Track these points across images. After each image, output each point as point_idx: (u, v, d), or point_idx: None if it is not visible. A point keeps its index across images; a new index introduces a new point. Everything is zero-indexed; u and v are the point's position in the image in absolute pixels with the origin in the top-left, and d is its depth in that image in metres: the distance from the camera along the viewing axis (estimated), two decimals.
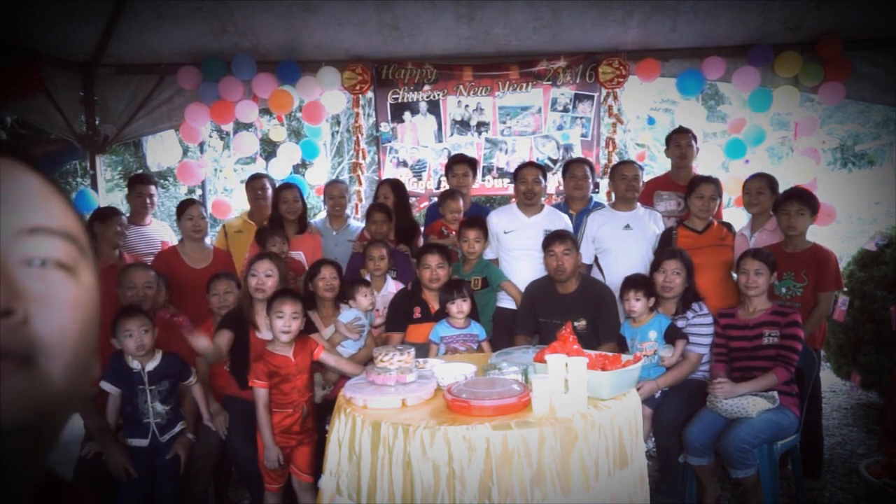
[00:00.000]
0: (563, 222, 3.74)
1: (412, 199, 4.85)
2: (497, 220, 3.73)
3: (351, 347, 3.16)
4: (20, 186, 0.47)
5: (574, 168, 4.01)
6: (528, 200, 3.71)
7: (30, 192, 0.48)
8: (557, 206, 4.06)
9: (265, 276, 2.93)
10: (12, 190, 0.46)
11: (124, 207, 4.96)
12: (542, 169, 3.86)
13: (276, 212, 3.98)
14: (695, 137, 4.21)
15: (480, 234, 3.53)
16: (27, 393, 0.43)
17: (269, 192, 4.42)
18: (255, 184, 4.39)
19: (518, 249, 3.67)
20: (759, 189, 3.60)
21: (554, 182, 5.06)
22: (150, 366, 2.73)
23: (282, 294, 2.72)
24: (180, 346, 2.98)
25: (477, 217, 3.75)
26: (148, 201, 4.25)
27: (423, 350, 3.05)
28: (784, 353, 2.87)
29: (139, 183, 4.31)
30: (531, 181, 3.69)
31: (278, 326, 2.64)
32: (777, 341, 2.89)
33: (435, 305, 3.26)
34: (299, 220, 3.99)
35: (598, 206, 4.02)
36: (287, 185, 4.11)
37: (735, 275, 3.29)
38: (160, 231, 4.42)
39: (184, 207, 3.71)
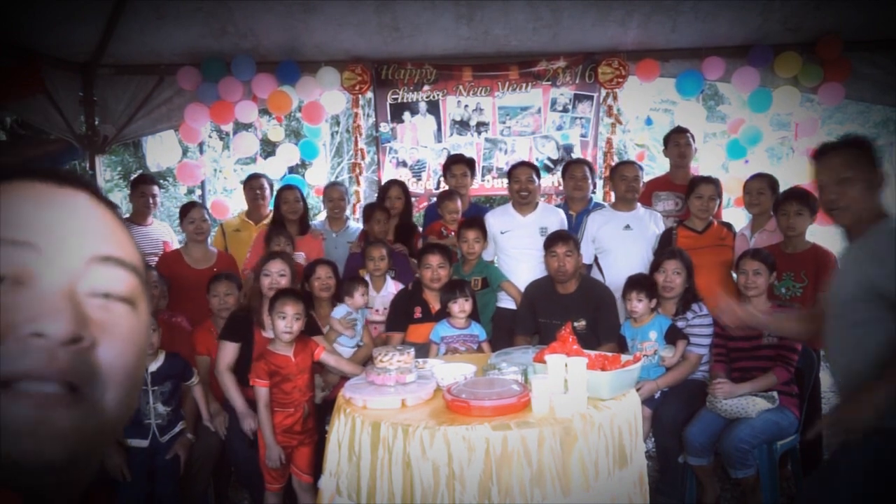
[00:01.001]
0: (559, 218, 3.75)
1: (412, 200, 4.85)
2: (493, 221, 3.74)
3: (347, 345, 3.16)
4: (93, 216, 0.49)
5: (573, 169, 4.02)
6: (523, 199, 3.72)
7: (101, 222, 0.49)
8: (563, 208, 4.06)
9: (279, 276, 2.97)
10: (87, 219, 0.48)
11: (125, 207, 4.96)
12: (536, 168, 3.88)
13: (278, 212, 3.99)
14: (693, 137, 4.21)
15: (479, 234, 3.53)
16: (79, 428, 0.43)
17: (268, 191, 4.43)
18: (253, 183, 4.40)
19: (515, 249, 3.68)
20: (760, 189, 3.60)
21: (554, 182, 5.06)
22: (153, 366, 2.73)
23: (284, 294, 2.72)
24: (182, 347, 2.98)
25: (476, 217, 3.76)
26: (151, 201, 4.27)
27: (423, 350, 3.05)
28: (783, 353, 2.88)
29: (143, 183, 4.33)
30: (524, 180, 3.71)
31: (280, 327, 2.64)
32: (776, 341, 2.89)
33: (436, 305, 3.26)
34: (300, 221, 3.99)
35: (599, 206, 4.02)
36: (288, 186, 4.12)
37: (735, 275, 3.29)
38: (161, 231, 4.43)
39: (186, 210, 3.73)
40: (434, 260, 3.25)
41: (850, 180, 1.87)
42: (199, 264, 3.64)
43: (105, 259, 0.48)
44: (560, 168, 4.72)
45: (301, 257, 3.78)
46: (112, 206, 0.52)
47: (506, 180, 5.07)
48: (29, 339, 0.42)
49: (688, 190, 3.63)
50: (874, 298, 1.80)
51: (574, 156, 5.01)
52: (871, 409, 1.71)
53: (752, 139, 4.98)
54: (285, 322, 2.64)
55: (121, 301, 0.49)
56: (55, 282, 0.45)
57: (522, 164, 3.92)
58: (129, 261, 0.50)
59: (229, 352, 2.88)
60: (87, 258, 0.47)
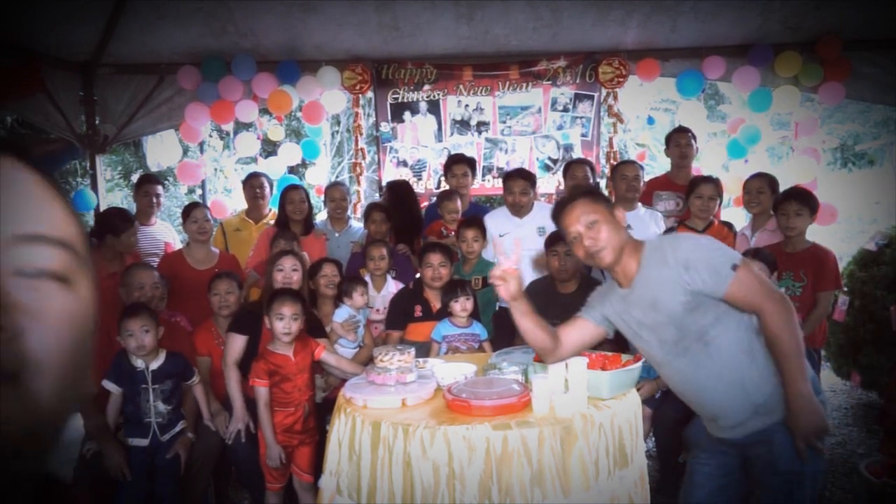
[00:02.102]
0: None
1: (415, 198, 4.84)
2: (491, 223, 3.73)
3: (349, 346, 3.16)
4: (19, 188, 0.44)
5: (574, 169, 4.01)
6: (516, 212, 3.74)
7: (29, 195, 0.44)
8: None
9: (292, 271, 3.03)
10: (10, 192, 0.43)
11: (126, 206, 4.96)
12: (531, 177, 3.83)
13: (283, 212, 3.99)
14: (694, 137, 4.21)
15: (479, 233, 3.53)
16: (14, 415, 0.40)
17: (267, 190, 4.43)
18: (252, 182, 4.40)
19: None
20: (760, 189, 3.60)
21: (554, 182, 5.06)
22: (154, 365, 2.73)
23: (282, 295, 2.72)
24: (182, 347, 2.99)
25: (475, 217, 3.76)
26: (155, 201, 4.27)
27: (423, 349, 3.05)
28: None
29: (147, 182, 4.34)
30: (518, 193, 3.70)
31: (278, 328, 2.65)
32: None
33: (436, 304, 3.26)
34: (305, 221, 4.00)
35: None
36: (294, 187, 4.14)
37: None
38: (164, 232, 4.42)
39: (189, 211, 3.73)
40: (435, 259, 3.25)
41: (597, 222, 1.94)
42: (200, 265, 3.64)
43: (29, 237, 0.43)
44: (560, 168, 4.72)
45: (304, 257, 3.78)
46: (40, 172, 0.46)
47: None
48: None
49: (688, 190, 3.63)
50: (703, 301, 1.83)
51: (574, 155, 5.02)
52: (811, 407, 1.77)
53: (752, 139, 4.98)
54: (283, 323, 2.64)
55: (52, 279, 0.44)
56: None
57: (517, 174, 3.85)
58: (59, 236, 0.45)
59: (238, 344, 2.88)
60: (8, 236, 0.42)
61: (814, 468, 1.87)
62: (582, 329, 2.12)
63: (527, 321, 2.03)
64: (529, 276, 3.54)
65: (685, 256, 1.82)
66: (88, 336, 0.46)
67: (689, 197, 3.58)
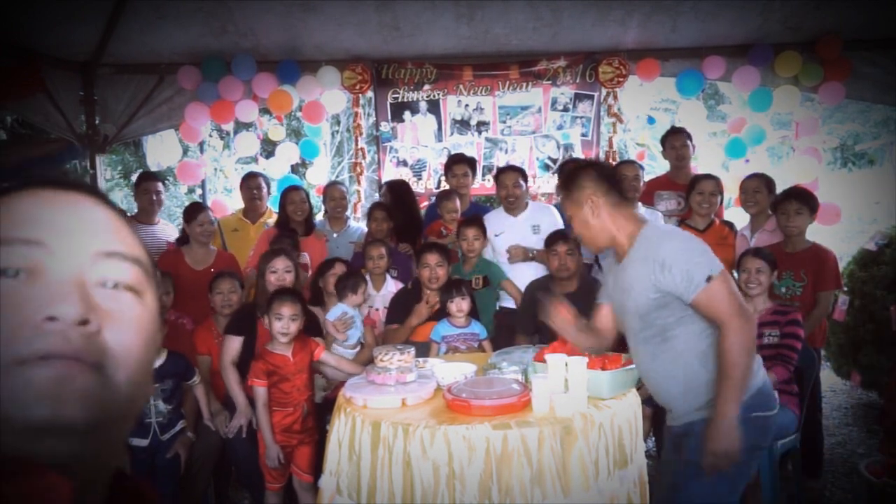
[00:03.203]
0: (552, 215, 3.76)
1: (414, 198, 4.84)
2: (487, 224, 3.72)
3: (344, 344, 3.15)
4: (99, 217, 0.55)
5: None
6: (510, 204, 3.75)
7: (107, 222, 0.55)
8: (558, 208, 4.05)
9: (285, 272, 3.01)
10: (92, 220, 0.54)
11: (126, 206, 4.96)
12: (522, 172, 3.88)
13: (283, 213, 3.99)
14: (690, 136, 4.21)
15: (479, 232, 3.53)
16: (97, 395, 0.48)
17: (265, 190, 4.43)
18: (250, 182, 4.40)
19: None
20: (756, 188, 3.61)
21: (554, 182, 5.05)
22: (156, 364, 2.72)
23: (281, 295, 2.72)
24: (183, 347, 2.99)
25: (475, 216, 3.76)
26: (155, 198, 4.23)
27: (423, 349, 3.05)
28: (783, 351, 2.87)
29: (146, 180, 4.30)
30: (511, 185, 3.73)
31: (277, 328, 2.65)
32: (777, 340, 2.89)
33: (436, 304, 3.26)
34: (305, 222, 4.00)
35: None
36: (294, 187, 4.14)
37: (736, 273, 3.29)
38: (167, 231, 4.39)
39: (194, 212, 3.73)
40: (432, 259, 3.25)
41: (572, 218, 2.04)
42: (199, 265, 3.64)
43: (109, 254, 0.53)
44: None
45: (305, 258, 3.78)
46: (116, 209, 0.57)
47: None
48: (43, 323, 0.47)
49: (688, 188, 3.64)
50: (671, 301, 1.87)
51: (575, 155, 5.02)
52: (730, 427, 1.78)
53: (752, 138, 4.98)
54: (281, 323, 2.64)
55: (127, 290, 0.54)
56: (64, 274, 0.50)
57: (508, 169, 3.90)
58: (133, 254, 0.55)
59: (234, 346, 2.89)
60: (92, 253, 0.52)
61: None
62: (605, 313, 2.18)
63: (578, 338, 2.18)
64: (527, 274, 3.54)
65: (664, 256, 1.85)
66: (154, 340, 0.56)
67: (690, 194, 3.58)
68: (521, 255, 3.62)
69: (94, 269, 0.52)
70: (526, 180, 3.85)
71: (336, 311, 3.12)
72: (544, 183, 5.09)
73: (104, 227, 0.55)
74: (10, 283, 0.49)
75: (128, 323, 0.52)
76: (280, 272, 3.01)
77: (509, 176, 3.77)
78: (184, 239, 3.82)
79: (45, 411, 0.46)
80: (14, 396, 0.46)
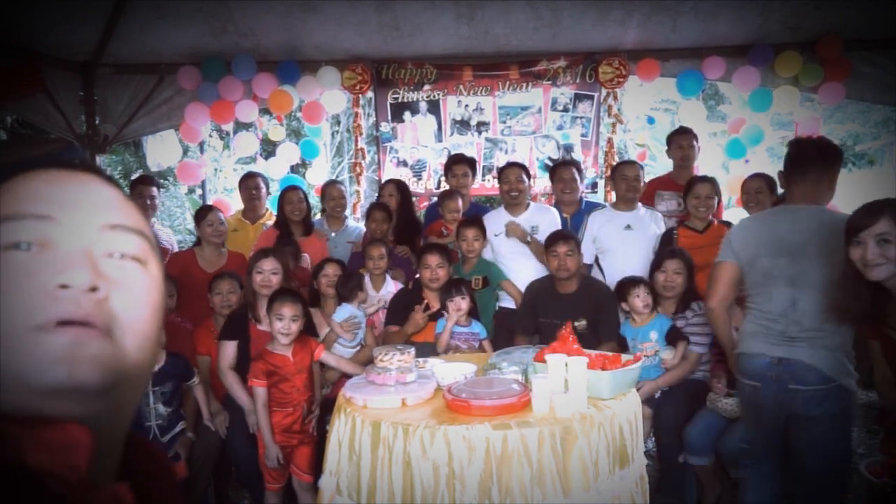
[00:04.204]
0: (552, 216, 3.76)
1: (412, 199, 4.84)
2: (486, 224, 3.72)
3: (348, 345, 3.15)
4: (102, 194, 0.58)
5: (562, 171, 4.02)
6: (513, 200, 3.75)
7: (110, 198, 0.59)
8: (558, 208, 4.05)
9: (271, 274, 2.98)
10: (97, 196, 0.58)
11: None
12: (525, 168, 3.89)
13: (282, 213, 3.98)
14: (696, 137, 4.21)
15: (479, 232, 3.53)
16: (108, 359, 0.51)
17: (263, 190, 4.42)
18: (248, 182, 4.39)
19: (510, 250, 3.68)
20: (758, 189, 3.61)
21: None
22: (155, 367, 2.73)
23: (282, 295, 2.72)
24: (183, 347, 2.99)
25: (475, 216, 3.76)
26: (149, 202, 4.17)
27: (425, 349, 3.04)
28: None
29: (140, 184, 4.25)
30: (514, 180, 3.73)
31: (277, 328, 2.64)
32: None
33: (436, 304, 3.26)
34: (304, 222, 3.99)
35: (591, 205, 4.03)
36: (292, 187, 4.13)
37: None
38: (160, 236, 4.37)
39: (204, 213, 3.73)
40: (433, 260, 3.25)
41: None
42: (211, 266, 3.64)
43: (115, 226, 0.57)
44: None
45: (306, 260, 3.78)
46: (120, 188, 0.62)
47: None
48: (56, 291, 0.50)
49: (685, 191, 3.64)
50: None
51: (575, 155, 5.02)
52: None
53: (752, 139, 4.98)
54: (282, 324, 2.64)
55: (132, 260, 0.57)
56: (73, 245, 0.53)
57: (511, 164, 3.91)
58: (137, 227, 0.59)
59: (229, 351, 2.89)
60: (99, 226, 0.56)
61: None
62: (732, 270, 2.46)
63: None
64: (526, 275, 3.54)
65: None
66: (160, 307, 0.59)
67: (687, 197, 3.58)
68: (520, 234, 3.62)
69: (100, 241, 0.55)
70: (529, 177, 3.85)
71: (343, 313, 3.12)
72: (545, 183, 5.09)
73: (109, 203, 0.58)
74: (23, 255, 0.52)
75: (134, 290, 0.56)
76: (266, 273, 2.97)
77: (513, 171, 3.77)
78: (200, 241, 3.82)
79: (61, 374, 0.49)
80: (33, 360, 0.49)
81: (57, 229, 0.53)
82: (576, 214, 3.92)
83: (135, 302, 0.55)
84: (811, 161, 2.38)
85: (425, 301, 3.21)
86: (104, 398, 0.51)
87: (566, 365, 2.09)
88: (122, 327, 0.53)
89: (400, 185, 4.25)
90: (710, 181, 3.58)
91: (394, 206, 4.06)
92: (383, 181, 4.43)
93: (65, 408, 0.49)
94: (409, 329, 3.17)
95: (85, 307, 0.51)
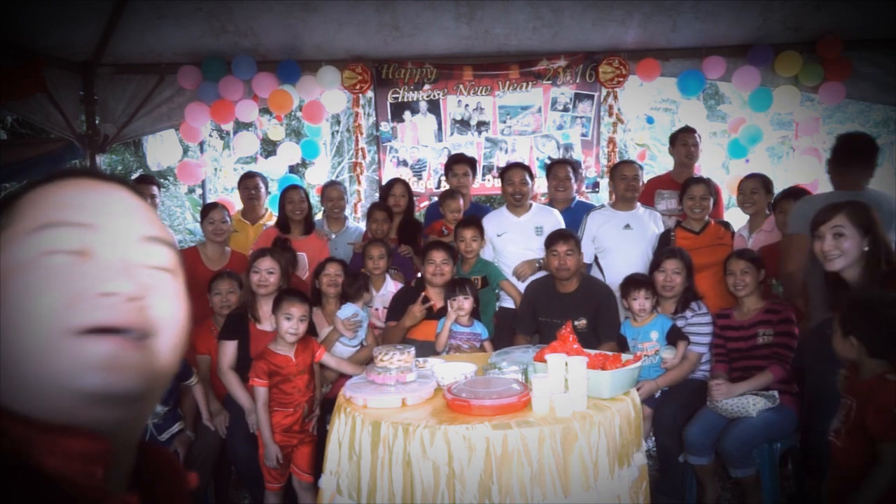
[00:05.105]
0: (554, 217, 3.75)
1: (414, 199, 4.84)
2: (488, 225, 3.71)
3: (349, 344, 3.15)
4: (135, 204, 0.61)
5: (557, 169, 4.02)
6: (517, 202, 3.72)
7: (142, 209, 0.62)
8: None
9: (267, 274, 2.97)
10: (131, 206, 0.60)
11: None
12: (528, 169, 3.86)
13: (282, 213, 3.98)
14: (700, 137, 4.23)
15: (477, 232, 3.53)
16: (145, 367, 0.53)
17: (262, 190, 4.42)
18: (247, 182, 4.39)
19: (512, 250, 3.68)
20: (753, 189, 3.62)
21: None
22: None
23: (291, 295, 2.71)
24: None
25: (473, 217, 3.75)
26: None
27: (426, 348, 3.04)
28: (779, 350, 2.88)
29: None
30: (518, 182, 3.70)
31: (285, 327, 2.64)
32: (771, 340, 2.90)
33: (439, 303, 3.25)
34: (305, 221, 3.99)
35: (582, 205, 4.03)
36: (293, 187, 4.12)
37: None
38: None
39: (207, 211, 3.73)
40: (438, 256, 3.24)
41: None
42: (214, 264, 3.64)
43: (150, 238, 0.59)
44: None
45: (302, 264, 3.77)
46: (143, 197, 0.64)
47: None
48: (98, 298, 0.52)
49: (680, 193, 3.64)
50: None
51: (575, 155, 5.02)
52: None
53: (752, 138, 4.98)
54: (291, 323, 2.64)
55: (164, 270, 0.59)
56: (113, 254, 0.55)
57: (515, 165, 3.88)
58: (168, 239, 0.62)
59: (229, 351, 2.89)
60: (136, 237, 0.58)
61: None
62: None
63: None
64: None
65: None
66: (187, 315, 0.61)
67: (683, 199, 3.59)
68: (529, 270, 3.59)
69: (137, 252, 0.57)
70: (532, 177, 3.84)
71: (347, 311, 3.12)
72: (545, 183, 5.09)
73: (142, 214, 0.61)
74: (64, 259, 0.53)
75: (168, 298, 0.58)
76: (262, 273, 2.96)
77: (516, 172, 3.75)
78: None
79: (99, 381, 0.50)
80: (70, 365, 0.49)
81: (97, 238, 0.55)
82: (564, 212, 3.91)
83: (170, 311, 0.57)
84: (856, 153, 2.89)
85: (424, 294, 3.21)
86: (134, 405, 0.52)
87: (566, 365, 2.09)
88: (159, 336, 0.55)
89: (405, 184, 4.25)
90: (705, 182, 3.59)
91: (403, 206, 4.05)
92: (389, 181, 4.40)
93: (97, 413, 0.50)
94: (406, 322, 3.16)
95: (126, 315, 0.52)
